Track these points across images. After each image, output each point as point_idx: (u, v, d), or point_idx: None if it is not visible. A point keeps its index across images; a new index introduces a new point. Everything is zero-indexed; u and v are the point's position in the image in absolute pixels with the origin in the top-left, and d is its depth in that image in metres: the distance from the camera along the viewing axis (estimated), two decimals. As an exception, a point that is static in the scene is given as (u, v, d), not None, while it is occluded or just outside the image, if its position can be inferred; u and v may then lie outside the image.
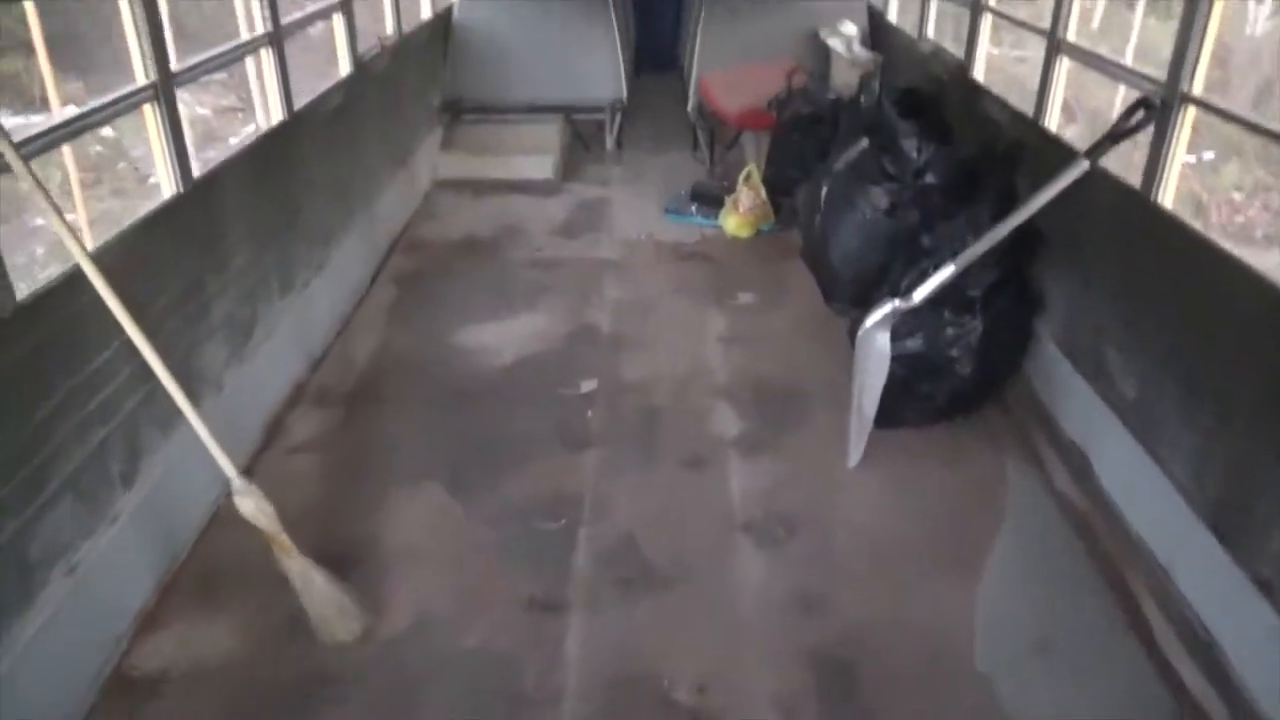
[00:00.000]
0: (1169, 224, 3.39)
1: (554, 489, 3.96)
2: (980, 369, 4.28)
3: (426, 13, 7.74)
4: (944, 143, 5.10)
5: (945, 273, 3.88)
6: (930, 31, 6.69)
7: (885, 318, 4.00)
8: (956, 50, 6.00)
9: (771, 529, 3.73)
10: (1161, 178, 3.43)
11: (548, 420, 4.46)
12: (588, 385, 4.76)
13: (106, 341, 3.06)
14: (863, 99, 6.01)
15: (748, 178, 6.73)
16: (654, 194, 7.29)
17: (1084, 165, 3.59)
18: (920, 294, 3.91)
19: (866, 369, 4.05)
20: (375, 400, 4.64)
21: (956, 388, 4.31)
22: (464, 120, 8.09)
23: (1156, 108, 3.44)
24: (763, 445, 4.28)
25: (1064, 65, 4.41)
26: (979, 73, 5.61)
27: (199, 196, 3.74)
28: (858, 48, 7.59)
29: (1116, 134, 3.55)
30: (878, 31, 7.81)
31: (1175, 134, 3.37)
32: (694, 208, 6.99)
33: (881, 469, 4.10)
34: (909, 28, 7.19)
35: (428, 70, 7.71)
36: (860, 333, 4.07)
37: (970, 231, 4.28)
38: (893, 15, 7.78)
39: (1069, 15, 4.34)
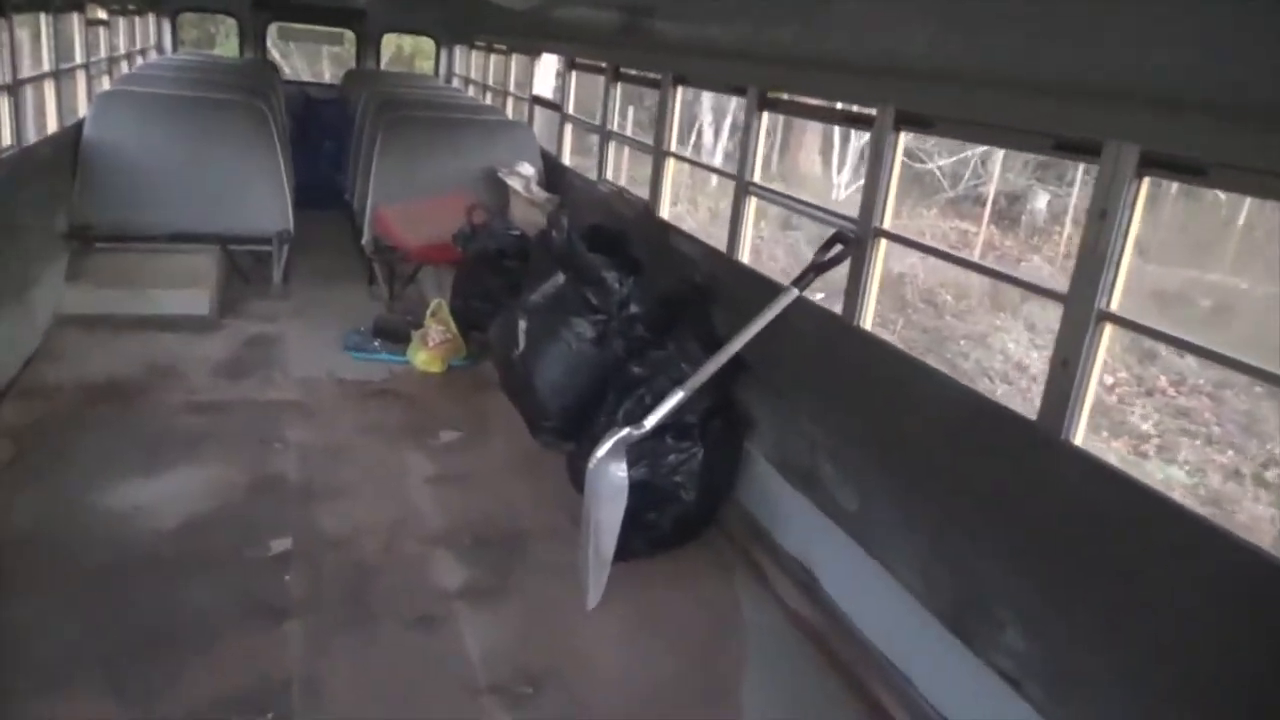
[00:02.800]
0: (873, 344, 3.67)
1: (253, 675, 3.27)
2: (703, 492, 4.30)
3: (53, 125, 6.72)
4: (638, 276, 5.25)
5: (676, 398, 3.88)
6: (609, 174, 7.01)
7: (616, 446, 3.89)
8: (641, 192, 6.31)
9: (517, 686, 3.35)
10: (862, 304, 3.73)
11: (233, 590, 3.74)
12: (280, 544, 4.10)
13: None
14: (554, 235, 6.07)
15: (435, 311, 6.47)
16: (331, 330, 6.74)
17: (794, 293, 3.82)
18: (652, 420, 3.86)
19: (600, 502, 3.87)
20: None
21: (682, 513, 4.28)
22: (97, 249, 7.01)
23: (852, 240, 3.77)
24: (493, 594, 3.91)
25: (752, 205, 4.76)
26: (665, 211, 5.91)
27: None
28: (535, 187, 7.76)
29: (819, 265, 3.82)
30: (553, 173, 8.07)
31: (872, 263, 3.70)
32: (378, 343, 6.56)
33: (619, 607, 3.89)
34: (586, 170, 7.49)
35: (52, 190, 6.63)
36: (591, 465, 3.90)
37: (682, 359, 4.39)
38: (566, 159, 8.10)
39: (755, 161, 4.72)
